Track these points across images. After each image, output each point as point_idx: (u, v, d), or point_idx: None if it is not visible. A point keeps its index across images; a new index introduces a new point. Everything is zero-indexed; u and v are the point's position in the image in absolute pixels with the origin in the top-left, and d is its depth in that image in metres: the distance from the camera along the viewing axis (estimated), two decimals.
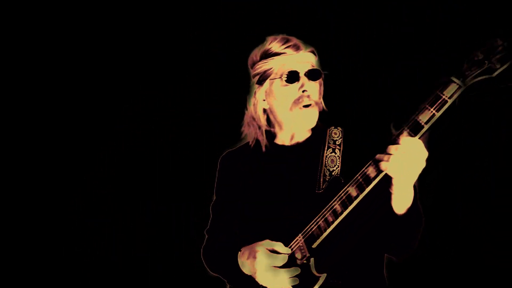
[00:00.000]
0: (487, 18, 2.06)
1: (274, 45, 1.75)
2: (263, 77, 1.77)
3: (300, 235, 1.61)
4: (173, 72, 2.77)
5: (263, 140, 1.85)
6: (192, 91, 2.77)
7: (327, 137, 1.79)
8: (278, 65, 1.73)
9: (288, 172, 1.77)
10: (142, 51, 2.75)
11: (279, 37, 1.77)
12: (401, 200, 1.48)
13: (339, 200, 1.53)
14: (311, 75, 1.73)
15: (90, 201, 2.82)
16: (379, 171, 1.45)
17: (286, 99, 1.73)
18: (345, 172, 1.67)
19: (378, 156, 1.45)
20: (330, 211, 1.54)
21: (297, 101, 1.72)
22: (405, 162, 1.38)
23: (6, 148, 2.73)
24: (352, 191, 1.51)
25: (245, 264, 1.64)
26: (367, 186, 1.48)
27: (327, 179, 1.67)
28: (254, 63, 1.81)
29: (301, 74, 1.71)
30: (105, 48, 2.73)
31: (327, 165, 1.72)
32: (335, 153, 1.74)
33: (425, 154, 1.39)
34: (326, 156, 1.74)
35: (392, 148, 1.41)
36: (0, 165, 2.74)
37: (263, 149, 1.84)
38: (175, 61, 2.75)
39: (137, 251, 2.83)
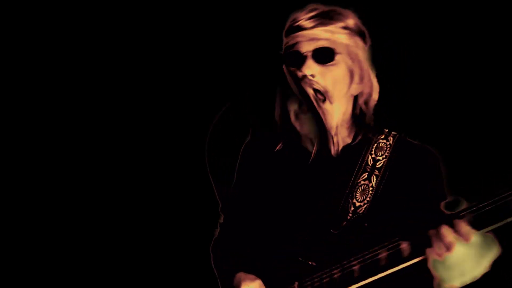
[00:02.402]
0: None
1: (298, 16, 1.34)
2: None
3: (296, 283, 1.28)
4: (172, 72, 2.74)
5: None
6: (191, 91, 2.74)
7: (367, 153, 1.37)
8: (289, 46, 1.34)
9: (309, 189, 1.38)
10: (143, 51, 2.72)
11: (309, 8, 1.34)
12: None
13: (341, 270, 1.18)
14: (318, 56, 1.31)
15: (90, 201, 2.79)
16: (413, 255, 1.06)
17: (292, 84, 1.34)
18: (379, 210, 1.28)
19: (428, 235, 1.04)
20: (328, 278, 1.20)
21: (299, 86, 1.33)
22: (460, 268, 1.02)
23: (7, 148, 2.70)
24: (356, 269, 1.15)
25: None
26: (374, 275, 1.12)
27: (349, 216, 1.29)
28: None
29: (308, 53, 1.31)
30: (106, 47, 2.70)
31: (353, 196, 1.32)
32: (370, 181, 1.32)
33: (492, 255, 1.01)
34: (357, 184, 1.34)
35: (449, 239, 0.99)
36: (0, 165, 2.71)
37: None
38: (173, 61, 2.72)
39: (136, 251, 2.81)
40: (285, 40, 1.37)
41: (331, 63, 1.30)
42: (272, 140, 1.49)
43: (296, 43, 1.31)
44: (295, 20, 1.33)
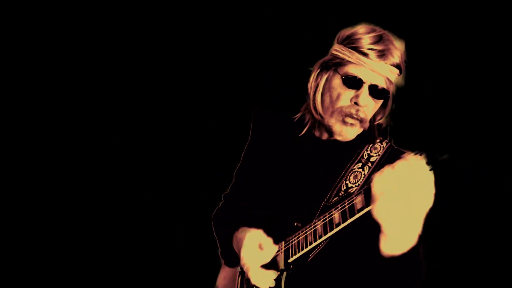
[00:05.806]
0: None
1: (364, 38, 1.50)
2: (331, 63, 1.57)
3: (283, 242, 1.53)
4: (171, 71, 2.76)
5: (309, 124, 1.68)
6: (190, 90, 2.76)
7: (364, 149, 1.63)
8: (349, 61, 1.52)
9: (310, 168, 1.64)
10: (144, 51, 2.74)
11: (375, 31, 1.52)
12: (391, 242, 1.23)
13: (323, 221, 1.38)
14: (374, 91, 1.53)
15: (90, 201, 2.82)
16: (366, 205, 1.24)
17: (337, 99, 1.56)
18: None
19: (373, 181, 1.19)
20: (312, 230, 1.42)
21: (343, 109, 1.55)
22: (399, 200, 1.13)
23: (7, 149, 2.74)
24: (336, 216, 1.34)
25: (236, 242, 1.62)
26: (350, 217, 1.28)
27: (340, 194, 1.54)
28: (336, 42, 1.59)
29: (366, 84, 1.51)
30: (106, 47, 2.73)
31: (347, 178, 1.58)
32: (363, 170, 1.58)
33: (429, 189, 1.12)
34: (351, 170, 1.59)
35: (386, 173, 1.17)
36: (1, 165, 2.75)
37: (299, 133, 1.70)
38: (173, 61, 2.74)
39: (136, 250, 2.83)
40: (339, 47, 1.55)
41: (380, 100, 1.57)
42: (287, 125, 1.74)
43: (355, 63, 1.51)
44: (360, 42, 1.51)
